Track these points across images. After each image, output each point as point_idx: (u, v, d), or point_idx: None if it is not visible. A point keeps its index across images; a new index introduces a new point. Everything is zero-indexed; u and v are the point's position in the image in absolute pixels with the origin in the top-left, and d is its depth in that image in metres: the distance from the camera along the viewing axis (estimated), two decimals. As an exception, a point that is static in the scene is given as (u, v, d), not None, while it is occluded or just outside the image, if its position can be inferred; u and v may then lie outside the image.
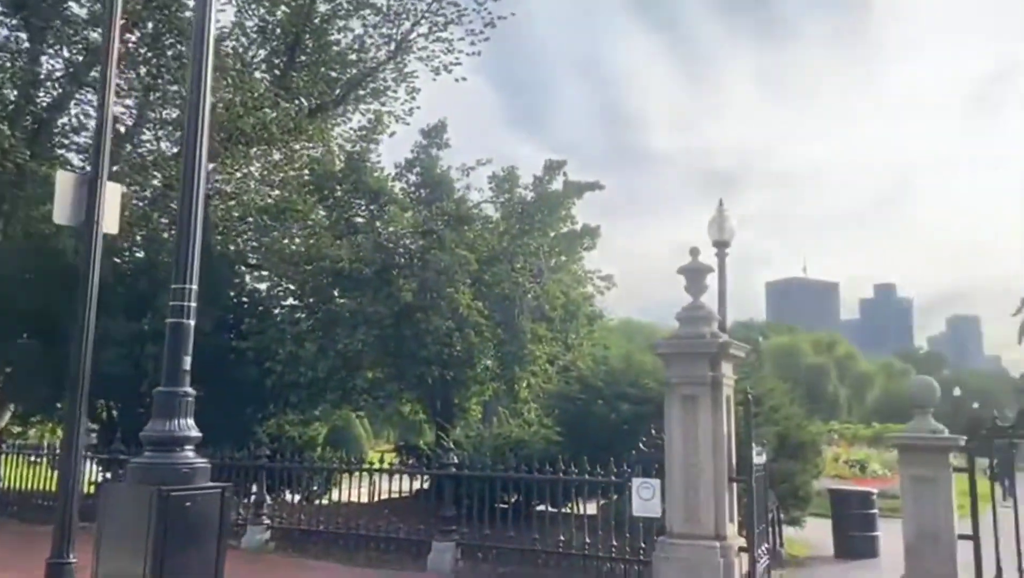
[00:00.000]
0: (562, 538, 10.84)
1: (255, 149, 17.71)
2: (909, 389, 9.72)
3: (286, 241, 17.01)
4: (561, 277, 15.95)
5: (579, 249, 17.16)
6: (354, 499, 13.34)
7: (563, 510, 11.47)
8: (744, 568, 9.58)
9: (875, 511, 13.29)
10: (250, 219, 17.70)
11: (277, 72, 18.30)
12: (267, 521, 12.78)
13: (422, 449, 15.29)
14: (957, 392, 60.26)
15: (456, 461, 11.93)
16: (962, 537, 8.47)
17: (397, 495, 12.78)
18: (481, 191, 16.61)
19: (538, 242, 15.15)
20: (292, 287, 17.11)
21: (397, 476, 12.58)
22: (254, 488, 13.06)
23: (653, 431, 10.39)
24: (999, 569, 8.28)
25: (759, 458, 10.44)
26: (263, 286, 18.59)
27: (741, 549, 9.62)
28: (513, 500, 12.50)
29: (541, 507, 11.60)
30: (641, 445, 10.45)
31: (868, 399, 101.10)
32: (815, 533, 13.95)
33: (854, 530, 12.72)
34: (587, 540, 10.72)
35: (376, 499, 12.83)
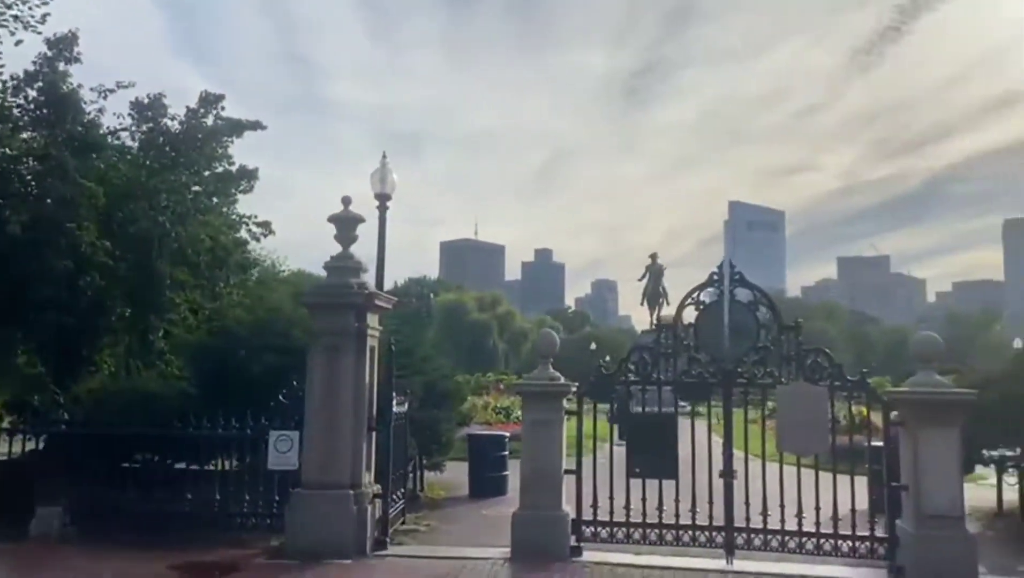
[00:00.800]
0: (189, 497, 10.16)
1: None
2: (536, 341, 10.61)
3: None
4: (210, 220, 14.77)
5: (234, 192, 16.00)
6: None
7: (206, 468, 10.78)
8: (379, 513, 9.81)
9: (506, 453, 14.47)
10: None
11: None
12: None
13: (37, 407, 13.31)
14: (593, 346, 68.10)
15: (67, 418, 10.59)
16: (568, 472, 9.51)
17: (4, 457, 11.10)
18: (120, 117, 14.69)
19: (185, 180, 13.83)
20: None
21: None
22: None
23: (295, 383, 10.13)
24: (595, 497, 9.44)
25: (400, 407, 10.73)
26: None
27: (376, 496, 9.83)
28: (146, 459, 11.50)
29: (182, 465, 10.80)
30: (281, 397, 10.13)
31: (523, 352, 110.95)
32: (456, 476, 14.83)
33: (488, 471, 13.75)
34: (217, 497, 10.18)
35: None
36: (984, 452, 12.05)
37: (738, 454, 9.36)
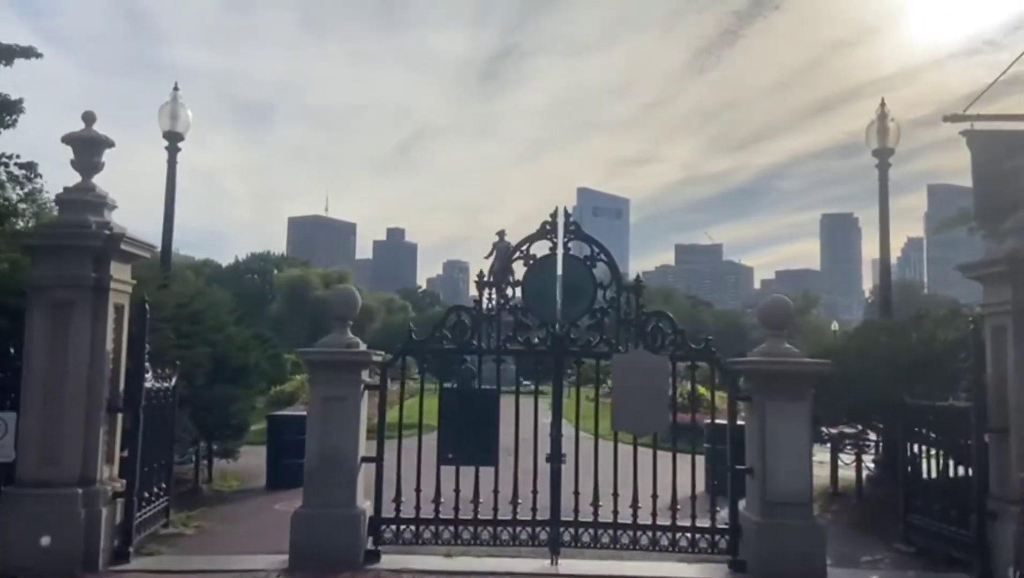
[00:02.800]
0: None
1: None
2: (329, 299, 8.77)
3: None
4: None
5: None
6: None
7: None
8: (122, 517, 7.66)
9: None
10: None
11: None
12: None
13: None
14: None
15: None
16: (366, 460, 7.78)
17: None
18: None
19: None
20: None
21: None
22: None
23: (12, 350, 7.76)
24: (398, 490, 7.78)
25: (162, 383, 8.58)
26: None
27: (118, 494, 7.67)
28: None
29: None
30: (-9, 368, 7.73)
31: (368, 331, 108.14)
32: (256, 462, 12.73)
33: (288, 458, 11.69)
34: None
35: None
36: (823, 429, 11.44)
37: (586, 436, 8.04)
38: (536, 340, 8.08)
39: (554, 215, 8.17)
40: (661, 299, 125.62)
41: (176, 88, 13.47)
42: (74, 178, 8.05)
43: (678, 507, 7.84)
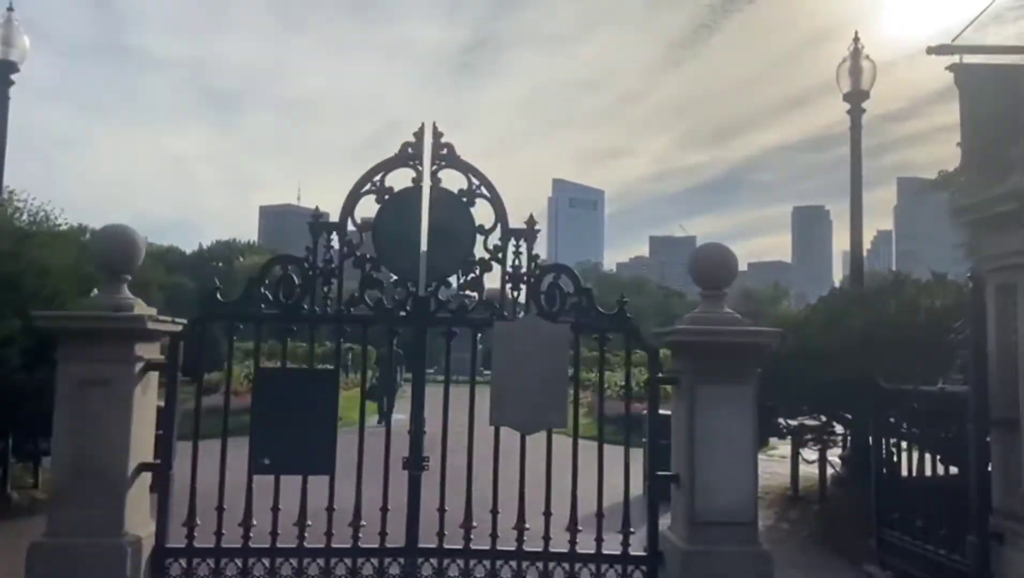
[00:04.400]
0: None
1: None
2: (93, 244, 6.50)
3: None
4: None
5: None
6: None
7: None
8: None
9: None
10: None
11: None
12: None
13: None
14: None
15: None
16: (145, 467, 5.60)
17: None
18: None
19: None
20: None
21: None
22: None
23: None
24: (192, 508, 5.64)
25: None
26: None
27: None
28: None
29: None
30: None
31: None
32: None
33: None
34: None
35: None
36: (780, 421, 9.47)
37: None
38: (391, 303, 5.95)
39: (419, 133, 6.04)
40: (634, 289, 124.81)
41: (11, 9, 11.13)
42: None
43: (611, 514, 5.80)
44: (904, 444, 6.89)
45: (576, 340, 6.00)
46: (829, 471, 10.16)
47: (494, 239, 6.00)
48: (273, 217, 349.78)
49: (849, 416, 9.36)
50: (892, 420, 7.11)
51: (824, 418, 9.20)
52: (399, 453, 5.74)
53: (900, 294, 7.98)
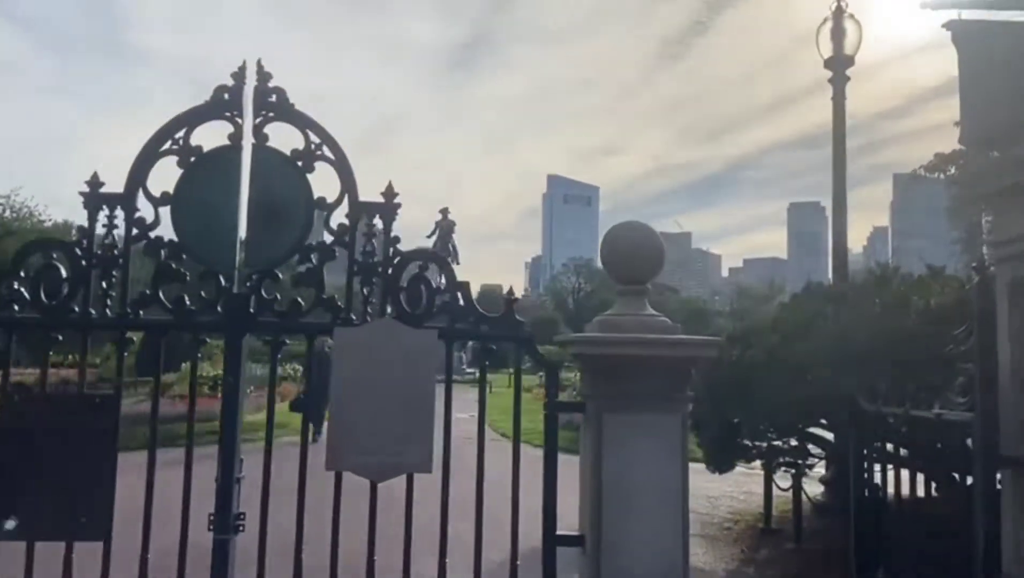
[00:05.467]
0: None
1: None
2: None
3: None
4: None
5: None
6: None
7: None
8: None
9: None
10: None
11: None
12: None
13: None
14: None
15: None
16: None
17: None
18: None
19: None
20: None
21: None
22: None
23: None
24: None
25: None
26: None
27: None
28: None
29: None
30: None
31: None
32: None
33: None
34: None
35: None
36: (749, 443, 7.94)
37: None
38: (196, 302, 4.39)
39: (240, 73, 4.48)
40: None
41: None
42: None
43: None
44: (892, 480, 5.41)
45: (448, 351, 4.46)
46: (806, 498, 8.65)
47: (339, 216, 4.46)
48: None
49: (830, 435, 7.86)
50: (876, 452, 5.64)
51: (792, 442, 7.65)
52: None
53: (886, 292, 6.42)
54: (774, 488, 8.82)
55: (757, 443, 7.79)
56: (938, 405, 5.05)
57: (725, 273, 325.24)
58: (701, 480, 9.09)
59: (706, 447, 8.34)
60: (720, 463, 8.21)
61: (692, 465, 4.46)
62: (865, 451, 5.81)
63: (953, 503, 5.10)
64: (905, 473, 5.29)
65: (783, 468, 8.32)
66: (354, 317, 4.41)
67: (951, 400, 4.92)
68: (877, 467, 5.64)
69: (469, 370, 48.91)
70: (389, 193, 4.47)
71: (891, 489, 5.39)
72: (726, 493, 11.35)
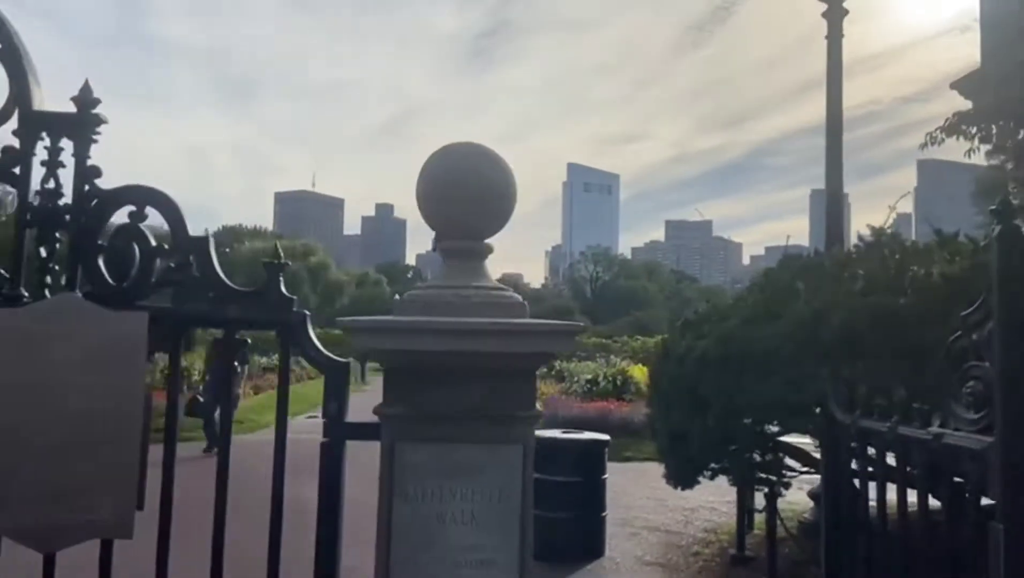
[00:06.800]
0: None
1: None
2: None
3: None
4: None
5: None
6: None
7: None
8: None
9: None
10: None
11: None
12: None
13: None
14: (398, 297, 64.90)
15: None
16: None
17: None
18: None
19: None
20: None
21: None
22: None
23: None
24: None
25: None
26: None
27: None
28: None
29: None
30: None
31: (337, 304, 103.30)
32: None
33: None
34: None
35: None
36: (708, 466, 6.28)
37: None
38: None
39: None
40: (646, 274, 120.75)
41: None
42: None
43: None
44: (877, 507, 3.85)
45: (175, 345, 2.91)
46: (800, 518, 7.07)
47: (6, 133, 2.92)
48: (288, 203, 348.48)
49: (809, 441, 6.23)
50: (855, 476, 4.06)
51: (763, 456, 5.97)
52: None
53: (873, 263, 4.69)
54: (759, 504, 7.24)
55: (710, 458, 6.14)
56: (938, 420, 3.45)
57: (746, 261, 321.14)
58: (678, 485, 7.53)
59: (662, 459, 6.76)
60: (679, 478, 6.62)
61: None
62: (841, 472, 4.23)
63: (960, 530, 3.51)
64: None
65: (757, 485, 6.69)
66: (25, 292, 2.88)
67: (957, 413, 3.31)
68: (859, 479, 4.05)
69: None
70: (85, 100, 2.92)
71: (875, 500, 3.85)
72: (706, 503, 9.75)
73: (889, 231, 5.24)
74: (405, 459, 2.66)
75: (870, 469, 4.01)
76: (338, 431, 2.85)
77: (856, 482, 4.03)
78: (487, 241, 2.94)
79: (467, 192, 2.82)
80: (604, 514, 7.70)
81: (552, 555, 6.93)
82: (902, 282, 4.17)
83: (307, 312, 2.95)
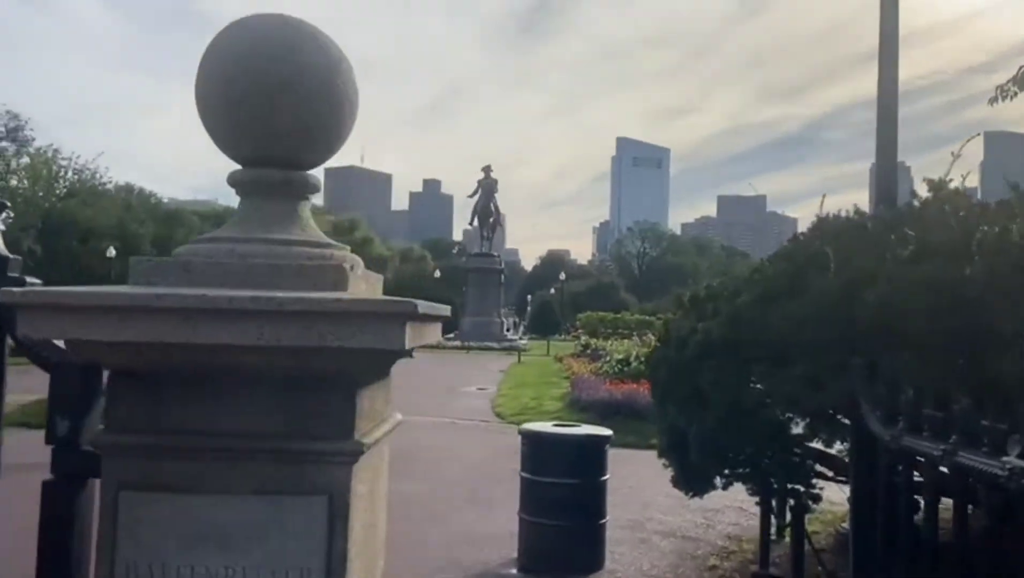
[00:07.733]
0: None
1: None
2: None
3: None
4: None
5: None
6: None
7: None
8: None
9: None
10: None
11: None
12: None
13: None
14: (438, 274, 64.70)
15: None
16: None
17: None
18: None
19: None
20: None
21: None
22: None
23: None
24: None
25: None
26: None
27: None
28: None
29: None
30: None
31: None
32: None
33: None
34: None
35: None
36: (715, 478, 5.14)
37: None
38: None
39: None
40: (696, 251, 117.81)
41: None
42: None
43: None
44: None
45: None
46: (838, 528, 5.91)
47: None
48: (337, 178, 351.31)
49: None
50: (893, 519, 2.93)
51: (784, 463, 4.80)
52: None
53: (933, 225, 3.43)
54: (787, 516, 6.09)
55: (710, 464, 4.99)
56: (1017, 447, 2.30)
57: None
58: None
59: (668, 463, 5.66)
60: (690, 484, 5.52)
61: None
62: (875, 508, 3.10)
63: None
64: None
65: (779, 496, 5.53)
66: None
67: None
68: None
69: (511, 337, 46.58)
70: None
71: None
72: (733, 502, 8.55)
73: (952, 184, 4.01)
74: (135, 517, 1.64)
75: (918, 504, 2.88)
76: (70, 463, 1.84)
77: (896, 522, 2.90)
78: (307, 172, 1.89)
79: (273, 87, 1.76)
80: (604, 521, 6.65)
81: (541, 568, 6.00)
82: (968, 245, 2.99)
83: (34, 280, 1.93)
